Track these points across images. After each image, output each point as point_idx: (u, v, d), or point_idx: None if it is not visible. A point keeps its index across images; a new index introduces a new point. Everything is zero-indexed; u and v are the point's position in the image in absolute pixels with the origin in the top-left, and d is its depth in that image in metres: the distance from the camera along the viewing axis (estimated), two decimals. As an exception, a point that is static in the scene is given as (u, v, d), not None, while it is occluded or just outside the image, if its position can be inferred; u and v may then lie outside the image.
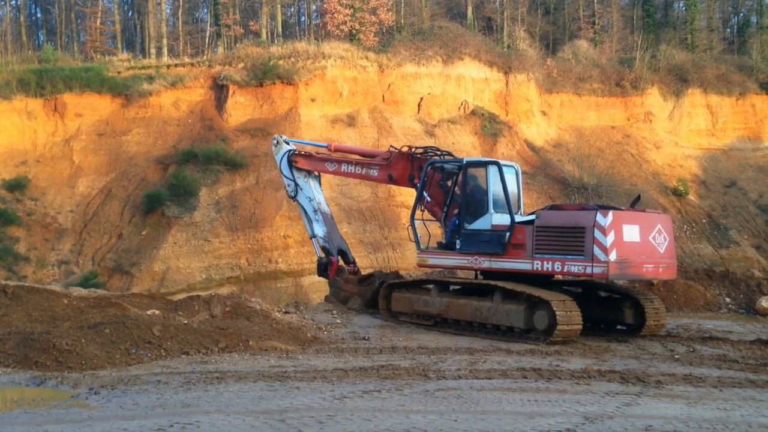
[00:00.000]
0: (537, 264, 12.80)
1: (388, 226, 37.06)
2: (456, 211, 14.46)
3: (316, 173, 18.38)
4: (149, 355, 10.36)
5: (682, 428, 7.03)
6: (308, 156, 18.23)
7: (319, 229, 17.83)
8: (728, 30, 68.29)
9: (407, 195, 37.42)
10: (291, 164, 18.09)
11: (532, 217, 13.13)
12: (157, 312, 13.07)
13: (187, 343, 10.95)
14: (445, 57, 44.35)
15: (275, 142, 18.79)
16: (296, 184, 18.11)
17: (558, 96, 48.58)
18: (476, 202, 14.08)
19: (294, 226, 35.43)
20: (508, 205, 13.48)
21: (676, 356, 11.42)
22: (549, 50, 55.41)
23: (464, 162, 14.41)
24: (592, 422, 7.17)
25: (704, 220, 45.22)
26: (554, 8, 62.40)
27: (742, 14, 66.19)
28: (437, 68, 43.95)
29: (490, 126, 43.83)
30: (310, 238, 18.37)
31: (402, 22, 52.25)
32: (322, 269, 17.88)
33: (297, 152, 18.29)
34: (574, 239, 12.38)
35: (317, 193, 18.16)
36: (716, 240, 44.10)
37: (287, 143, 18.54)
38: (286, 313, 15.08)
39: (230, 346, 11.16)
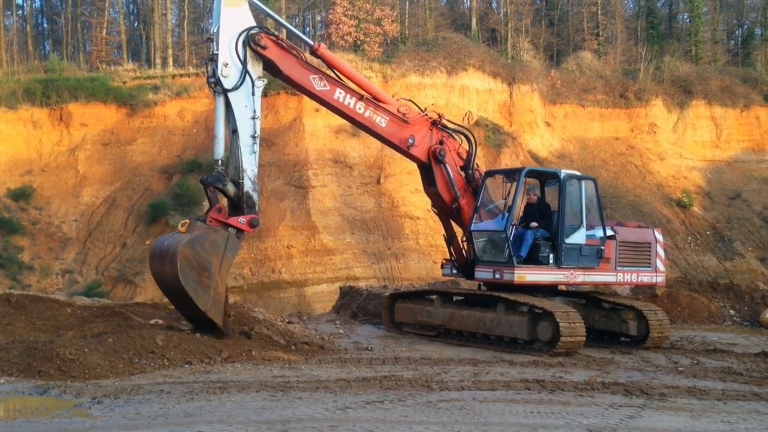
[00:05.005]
0: (620, 276, 14.00)
1: (391, 236, 37.04)
2: (535, 224, 13.61)
3: (263, 79, 12.04)
4: (152, 364, 10.36)
5: (686, 441, 7.01)
6: (291, 51, 12.33)
7: (254, 166, 11.91)
8: (732, 42, 68.43)
9: (411, 205, 37.49)
10: (251, 46, 11.80)
11: (609, 231, 13.87)
12: (160, 321, 13.07)
13: (190, 352, 10.94)
14: (449, 68, 44.44)
15: None
16: (250, 81, 11.77)
17: (562, 107, 48.60)
18: (573, 216, 13.81)
19: (298, 236, 35.46)
20: (601, 219, 13.93)
21: (680, 368, 11.38)
22: (553, 61, 55.56)
23: (562, 174, 13.84)
24: (596, 434, 7.17)
25: (708, 232, 45.14)
26: (558, 20, 62.60)
27: (746, 26, 66.30)
28: (441, 79, 44.03)
29: (493, 137, 43.86)
30: (217, 161, 11.85)
31: (406, 32, 52.47)
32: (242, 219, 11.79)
33: (273, 36, 12.16)
34: (643, 253, 14.20)
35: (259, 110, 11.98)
36: (720, 252, 44.00)
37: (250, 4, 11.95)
38: (289, 323, 15.07)
39: (233, 356, 11.15)
